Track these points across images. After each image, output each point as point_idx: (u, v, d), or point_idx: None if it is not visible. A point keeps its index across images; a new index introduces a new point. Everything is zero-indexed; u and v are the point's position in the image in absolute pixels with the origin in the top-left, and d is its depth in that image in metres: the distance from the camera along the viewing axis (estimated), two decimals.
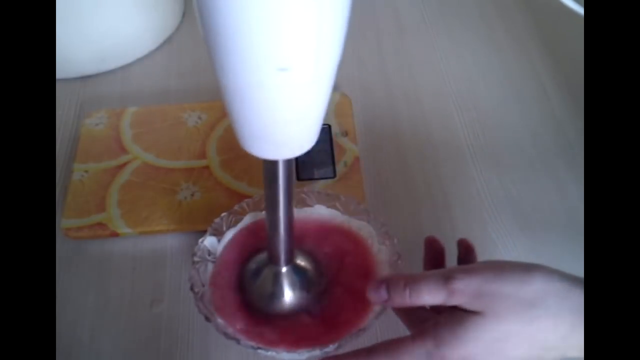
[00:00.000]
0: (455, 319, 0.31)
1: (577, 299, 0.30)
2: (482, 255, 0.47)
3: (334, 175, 0.50)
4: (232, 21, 0.23)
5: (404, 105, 0.57)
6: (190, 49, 0.63)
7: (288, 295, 0.40)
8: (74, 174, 0.50)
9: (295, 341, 0.38)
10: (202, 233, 0.42)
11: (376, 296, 0.34)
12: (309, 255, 0.42)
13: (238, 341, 0.36)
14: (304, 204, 0.44)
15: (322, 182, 0.49)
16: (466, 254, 0.40)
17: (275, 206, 0.34)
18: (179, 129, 0.53)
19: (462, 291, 0.31)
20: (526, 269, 0.31)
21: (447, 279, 0.32)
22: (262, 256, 0.41)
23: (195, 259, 0.40)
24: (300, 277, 0.40)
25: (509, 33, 0.64)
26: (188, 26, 0.66)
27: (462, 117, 0.56)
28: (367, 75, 0.60)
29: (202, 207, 0.48)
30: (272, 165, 0.32)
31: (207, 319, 0.37)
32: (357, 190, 0.49)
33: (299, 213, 0.44)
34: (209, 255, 0.41)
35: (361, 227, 0.43)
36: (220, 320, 0.38)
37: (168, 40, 0.64)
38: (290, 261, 0.39)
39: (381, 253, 0.42)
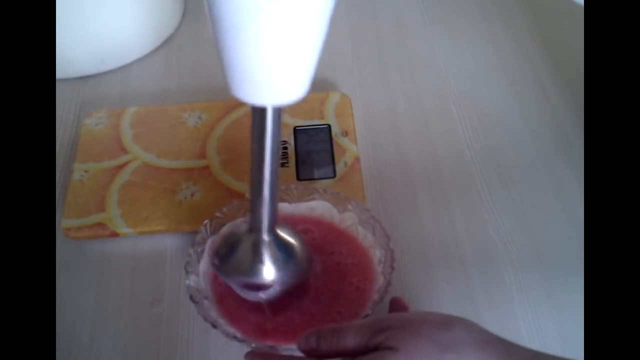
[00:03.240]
0: (374, 354, 0.31)
1: (493, 350, 0.30)
2: (481, 255, 0.47)
3: (334, 175, 0.50)
4: None
5: (404, 105, 0.57)
6: (190, 49, 0.63)
7: (269, 269, 0.37)
8: (74, 174, 0.50)
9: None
10: None
11: (305, 344, 0.34)
12: (299, 236, 0.39)
13: (250, 344, 0.36)
14: (308, 198, 0.44)
15: (322, 182, 0.49)
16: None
17: (261, 163, 0.33)
18: (179, 129, 0.54)
19: (383, 330, 0.32)
20: (448, 318, 0.32)
21: (375, 320, 0.33)
22: (241, 225, 0.38)
23: (188, 268, 0.40)
24: (284, 252, 0.37)
25: (509, 33, 0.64)
26: (188, 26, 0.66)
27: (462, 117, 0.56)
28: (367, 75, 0.60)
29: (202, 207, 0.48)
30: (260, 115, 0.31)
31: (214, 326, 0.37)
32: (357, 190, 0.49)
33: (299, 206, 0.44)
34: (199, 293, 0.39)
35: (352, 223, 0.43)
36: (227, 327, 0.38)
37: (168, 40, 0.64)
38: (272, 229, 0.37)
39: (370, 245, 0.42)
